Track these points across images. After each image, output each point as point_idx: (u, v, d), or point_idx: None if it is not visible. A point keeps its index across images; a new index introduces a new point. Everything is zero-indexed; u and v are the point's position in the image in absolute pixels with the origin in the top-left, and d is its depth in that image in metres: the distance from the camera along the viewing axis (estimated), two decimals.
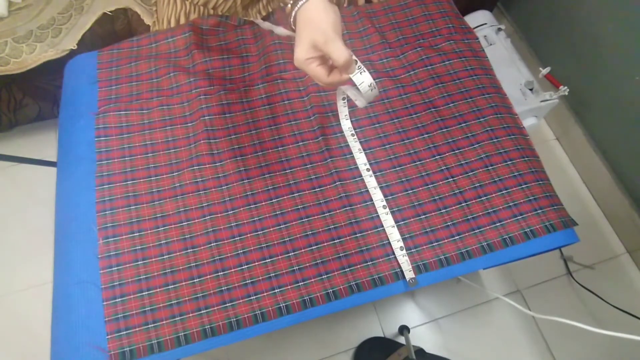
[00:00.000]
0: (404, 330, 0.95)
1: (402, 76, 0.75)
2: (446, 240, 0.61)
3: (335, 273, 0.59)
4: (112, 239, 0.61)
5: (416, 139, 0.69)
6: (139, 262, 0.60)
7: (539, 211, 0.62)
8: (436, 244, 0.61)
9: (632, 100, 0.94)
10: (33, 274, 1.07)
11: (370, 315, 1.02)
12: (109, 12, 0.91)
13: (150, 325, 0.56)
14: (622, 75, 0.95)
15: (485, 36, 1.03)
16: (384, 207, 0.63)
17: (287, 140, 0.69)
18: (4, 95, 1.02)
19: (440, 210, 0.63)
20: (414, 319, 1.01)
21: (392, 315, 1.02)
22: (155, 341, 0.55)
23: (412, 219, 0.63)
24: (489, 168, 0.66)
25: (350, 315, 1.02)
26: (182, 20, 0.82)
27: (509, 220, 0.62)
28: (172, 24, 0.83)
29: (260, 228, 0.62)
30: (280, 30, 0.75)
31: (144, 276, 0.59)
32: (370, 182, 0.65)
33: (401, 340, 0.98)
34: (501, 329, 1.00)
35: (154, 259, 0.60)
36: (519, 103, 0.95)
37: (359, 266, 0.60)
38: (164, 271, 0.59)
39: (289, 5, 0.48)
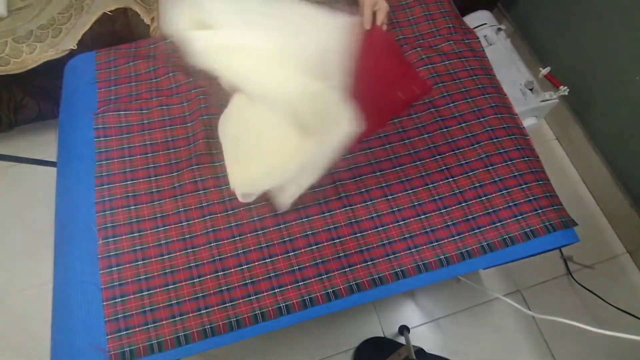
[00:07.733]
0: (404, 330, 0.95)
1: None
2: (446, 240, 0.61)
3: (335, 273, 0.59)
4: (112, 239, 0.61)
5: (416, 139, 0.69)
6: (139, 262, 0.60)
7: (539, 211, 0.62)
8: (436, 244, 0.61)
9: (632, 100, 0.94)
10: (33, 274, 1.07)
11: (370, 315, 1.01)
12: (109, 12, 0.91)
13: (150, 325, 0.56)
14: (622, 75, 0.94)
15: (485, 36, 1.03)
16: None
17: None
18: (4, 95, 1.02)
19: (440, 210, 0.63)
20: (414, 319, 1.01)
21: (392, 315, 1.01)
22: (155, 341, 0.55)
23: (412, 219, 0.63)
24: (489, 168, 0.66)
25: (350, 315, 1.01)
26: None
27: (509, 220, 0.62)
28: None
29: (260, 228, 0.62)
30: None
31: (143, 276, 0.59)
32: None
33: (401, 340, 0.97)
34: (501, 329, 1.00)
35: (153, 259, 0.60)
36: (519, 103, 0.95)
37: (359, 266, 0.60)
38: (164, 271, 0.59)
39: None
